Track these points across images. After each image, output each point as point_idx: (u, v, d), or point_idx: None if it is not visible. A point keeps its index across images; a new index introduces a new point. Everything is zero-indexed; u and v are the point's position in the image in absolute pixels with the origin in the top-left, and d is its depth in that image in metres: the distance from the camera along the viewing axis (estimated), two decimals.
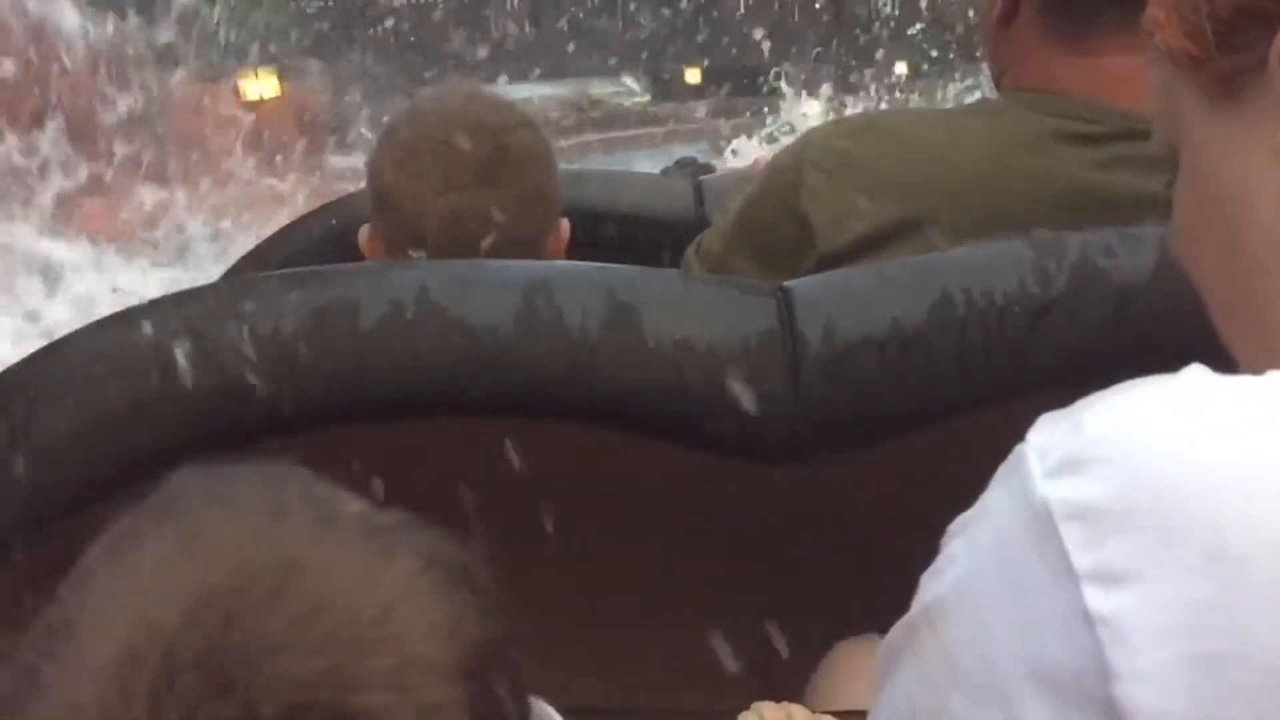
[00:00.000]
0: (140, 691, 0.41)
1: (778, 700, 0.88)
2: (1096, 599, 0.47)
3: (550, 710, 0.48)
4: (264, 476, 0.48)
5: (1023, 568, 0.49)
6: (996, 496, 0.52)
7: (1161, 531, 0.47)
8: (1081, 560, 0.48)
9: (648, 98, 17.58)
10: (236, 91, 8.62)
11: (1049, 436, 0.51)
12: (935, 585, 0.54)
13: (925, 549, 0.98)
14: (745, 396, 0.92)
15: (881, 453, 0.93)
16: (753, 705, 0.85)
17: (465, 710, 0.42)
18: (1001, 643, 0.49)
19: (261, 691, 0.40)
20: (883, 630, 0.99)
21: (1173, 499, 0.47)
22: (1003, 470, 0.53)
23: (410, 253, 1.19)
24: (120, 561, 0.45)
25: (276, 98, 9.11)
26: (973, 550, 0.53)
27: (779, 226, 1.12)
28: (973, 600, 0.52)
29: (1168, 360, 0.92)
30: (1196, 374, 0.52)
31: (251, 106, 8.57)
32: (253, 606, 0.42)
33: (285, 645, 0.41)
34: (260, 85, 9.02)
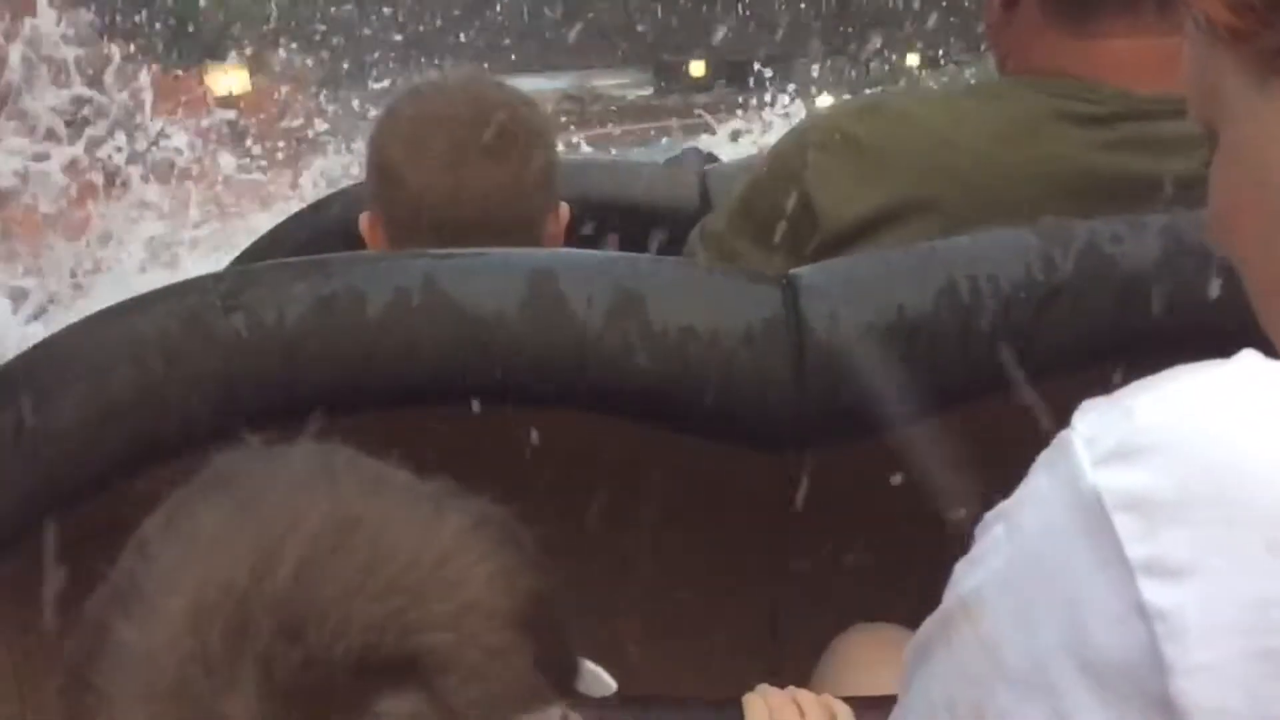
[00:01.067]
0: (215, 640, 0.43)
1: (782, 687, 0.87)
2: (1152, 591, 0.46)
3: (594, 667, 0.49)
4: (310, 449, 0.50)
5: (1071, 558, 0.48)
6: (1040, 484, 0.51)
7: (1220, 523, 0.46)
8: (1136, 551, 0.46)
9: (650, 91, 17.09)
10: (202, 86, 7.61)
11: (1097, 423, 0.50)
12: (973, 575, 0.53)
13: (930, 536, 0.98)
14: (750, 384, 0.92)
15: (886, 440, 0.93)
16: (757, 688, 0.85)
17: (523, 655, 0.45)
18: (1049, 634, 0.48)
19: (332, 635, 0.42)
20: (888, 618, 0.99)
21: (1231, 489, 0.46)
22: (1046, 457, 0.52)
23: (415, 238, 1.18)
24: (179, 528, 0.47)
25: (248, 94, 8.06)
26: (1015, 539, 0.51)
27: (782, 207, 1.12)
28: (1016, 591, 0.50)
29: (1175, 347, 0.92)
30: (1250, 360, 0.50)
31: (221, 104, 7.63)
32: (318, 557, 0.44)
33: (352, 592, 0.43)
34: (230, 79, 7.92)
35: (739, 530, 1.01)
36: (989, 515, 0.54)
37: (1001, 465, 0.89)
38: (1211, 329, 0.93)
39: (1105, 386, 0.87)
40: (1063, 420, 0.90)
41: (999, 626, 0.50)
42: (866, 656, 0.95)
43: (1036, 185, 1.04)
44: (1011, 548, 0.51)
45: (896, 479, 0.96)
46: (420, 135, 1.20)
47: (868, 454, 0.96)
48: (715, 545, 1.02)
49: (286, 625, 0.42)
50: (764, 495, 1.00)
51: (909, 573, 0.97)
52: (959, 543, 0.82)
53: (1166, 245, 0.94)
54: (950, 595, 0.54)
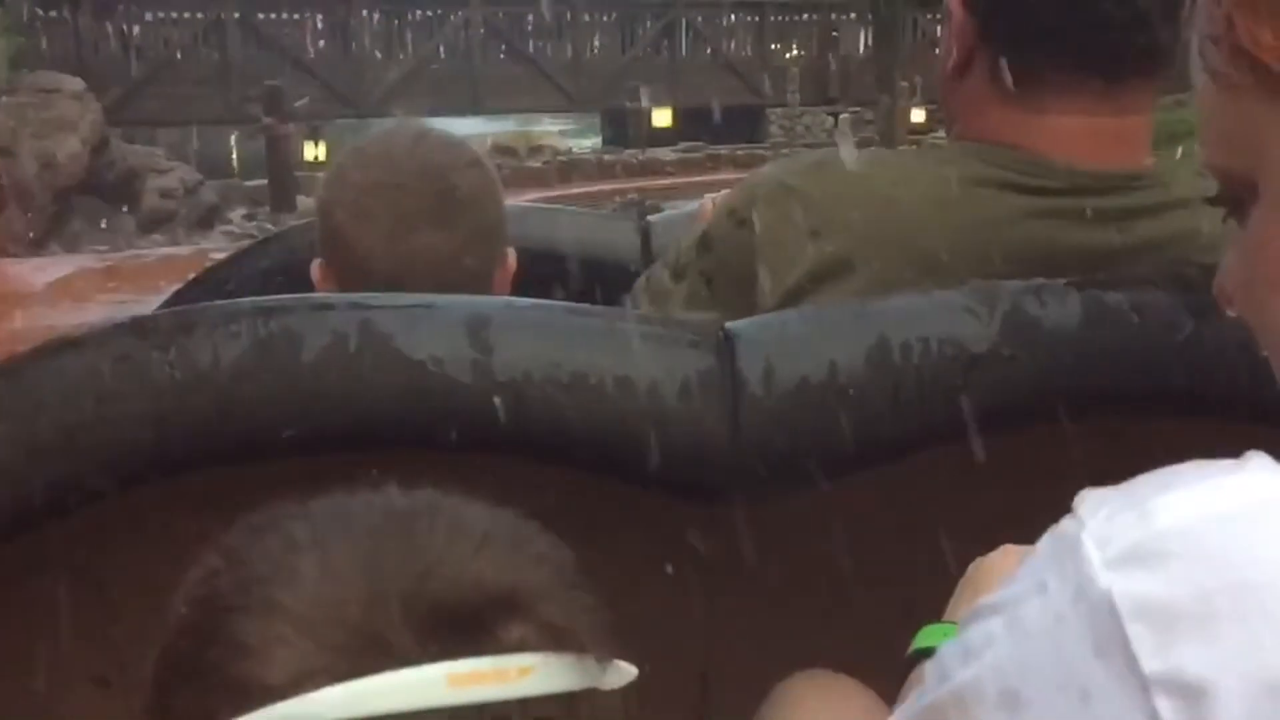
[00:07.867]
0: (361, 586, 0.53)
1: None
2: (1168, 709, 0.45)
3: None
4: (335, 492, 0.61)
5: (1079, 664, 0.47)
6: (1046, 580, 0.49)
7: (1242, 641, 0.45)
8: (1152, 665, 0.45)
9: (600, 140, 15.26)
10: None
11: (1110, 522, 0.48)
12: (967, 668, 0.52)
13: (861, 587, 1.00)
14: (685, 436, 0.95)
15: (819, 493, 0.95)
16: None
17: (591, 596, 0.58)
18: None
19: (453, 576, 0.54)
20: (823, 665, 1.01)
21: (1255, 605, 0.45)
22: (1049, 550, 0.51)
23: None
24: (266, 539, 0.56)
25: None
26: (1015, 635, 0.50)
27: (728, 262, 1.17)
28: (1017, 691, 0.49)
29: (1097, 407, 0.96)
30: (1265, 464, 0.49)
31: None
32: (416, 529, 0.56)
33: (454, 549, 0.55)
34: None
35: (673, 580, 1.03)
36: (982, 604, 0.53)
37: (928, 520, 0.92)
38: (1131, 391, 0.97)
39: (1028, 447, 0.90)
40: (987, 479, 0.93)
41: None
42: (802, 706, 0.97)
43: (972, 250, 1.09)
44: (1012, 644, 0.50)
45: (829, 532, 0.98)
46: (366, 204, 1.24)
47: (801, 507, 0.98)
48: (650, 595, 1.03)
49: (418, 570, 0.54)
50: (697, 545, 1.02)
51: (842, 622, 1.00)
52: (890, 594, 0.84)
53: (1088, 310, 0.98)
54: (940, 685, 0.54)
